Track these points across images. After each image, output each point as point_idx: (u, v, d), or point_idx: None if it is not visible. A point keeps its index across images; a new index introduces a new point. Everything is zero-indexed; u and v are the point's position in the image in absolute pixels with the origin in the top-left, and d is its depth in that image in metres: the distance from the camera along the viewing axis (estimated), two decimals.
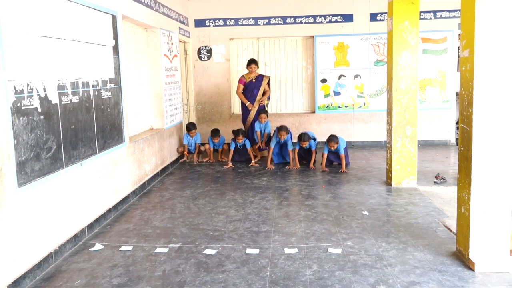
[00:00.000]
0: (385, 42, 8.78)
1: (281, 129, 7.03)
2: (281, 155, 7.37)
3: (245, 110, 7.64)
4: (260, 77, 7.52)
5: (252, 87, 7.48)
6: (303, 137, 6.93)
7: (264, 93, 7.62)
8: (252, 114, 7.54)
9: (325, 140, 8.94)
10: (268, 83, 7.65)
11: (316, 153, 7.07)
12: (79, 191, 4.08)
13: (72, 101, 3.96)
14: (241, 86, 7.51)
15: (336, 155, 6.96)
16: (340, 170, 6.69)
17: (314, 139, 7.08)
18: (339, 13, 8.86)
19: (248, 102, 7.47)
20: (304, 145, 6.96)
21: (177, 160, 7.53)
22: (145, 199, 5.46)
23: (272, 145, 7.05)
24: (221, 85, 9.21)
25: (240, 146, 7.37)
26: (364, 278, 3.22)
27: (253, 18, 8.97)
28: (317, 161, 7.15)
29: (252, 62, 7.49)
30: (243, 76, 7.63)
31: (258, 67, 7.62)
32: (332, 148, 6.78)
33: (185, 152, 7.65)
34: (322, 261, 3.52)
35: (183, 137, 7.80)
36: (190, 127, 7.61)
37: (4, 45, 3.02)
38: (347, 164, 6.96)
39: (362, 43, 8.90)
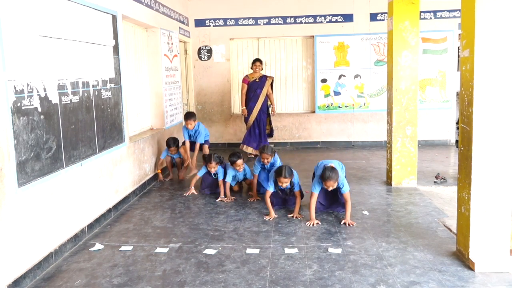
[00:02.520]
0: (385, 42, 8.77)
1: (263, 150, 5.19)
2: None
3: (247, 110, 7.67)
4: (264, 78, 7.57)
5: (255, 87, 7.51)
6: (283, 172, 4.51)
7: (268, 96, 7.62)
8: (254, 113, 7.56)
9: (326, 140, 9.11)
10: (271, 85, 7.67)
11: (302, 196, 4.74)
12: (79, 191, 4.08)
13: (72, 101, 3.96)
14: (245, 86, 7.55)
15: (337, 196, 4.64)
16: (342, 221, 4.38)
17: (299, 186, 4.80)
18: (339, 13, 8.86)
19: (244, 107, 7.53)
20: (283, 184, 4.56)
21: (155, 176, 6.24)
22: (145, 199, 5.46)
23: (256, 171, 5.31)
24: (221, 85, 9.21)
25: (214, 176, 5.55)
26: (364, 278, 3.22)
27: (253, 18, 8.97)
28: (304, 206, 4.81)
29: (257, 60, 7.58)
30: (246, 76, 7.68)
31: (262, 68, 7.66)
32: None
33: (158, 170, 6.34)
34: (322, 261, 3.52)
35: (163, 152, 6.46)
36: (170, 143, 6.27)
37: (4, 45, 3.02)
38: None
39: (362, 43, 8.90)
